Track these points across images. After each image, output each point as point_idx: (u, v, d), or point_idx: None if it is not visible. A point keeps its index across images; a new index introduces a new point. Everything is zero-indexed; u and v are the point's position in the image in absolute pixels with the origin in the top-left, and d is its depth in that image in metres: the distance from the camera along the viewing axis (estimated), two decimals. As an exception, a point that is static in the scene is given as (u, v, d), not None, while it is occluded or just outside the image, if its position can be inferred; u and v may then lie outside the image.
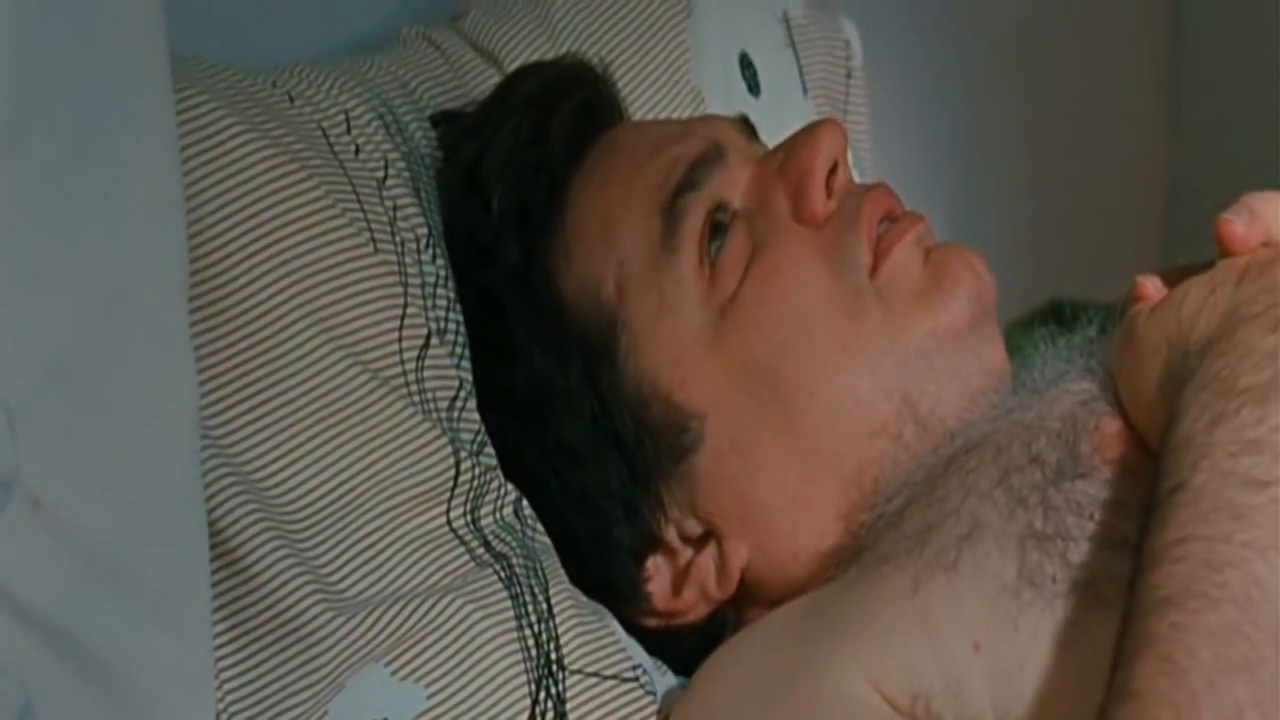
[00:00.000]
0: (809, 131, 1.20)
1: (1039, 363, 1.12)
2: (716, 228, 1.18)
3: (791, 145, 1.21)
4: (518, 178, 1.24)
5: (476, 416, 1.20)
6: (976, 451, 1.06)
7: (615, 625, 1.18)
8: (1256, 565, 0.84)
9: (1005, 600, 0.97)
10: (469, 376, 1.21)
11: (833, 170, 1.19)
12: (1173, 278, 1.05)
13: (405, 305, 1.17)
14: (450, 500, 1.15)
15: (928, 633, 0.97)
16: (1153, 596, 0.84)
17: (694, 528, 1.18)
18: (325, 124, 1.23)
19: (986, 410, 1.11)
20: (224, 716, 1.04)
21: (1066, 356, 1.12)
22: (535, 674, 1.11)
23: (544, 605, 1.14)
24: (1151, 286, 1.06)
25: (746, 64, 1.58)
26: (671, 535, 1.18)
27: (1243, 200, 1.03)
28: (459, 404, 1.19)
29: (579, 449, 1.19)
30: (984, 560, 0.98)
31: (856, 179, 1.30)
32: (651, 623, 1.20)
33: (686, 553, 1.19)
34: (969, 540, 1.00)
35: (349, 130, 1.24)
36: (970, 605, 0.97)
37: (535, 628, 1.13)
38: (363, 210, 1.18)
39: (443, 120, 1.33)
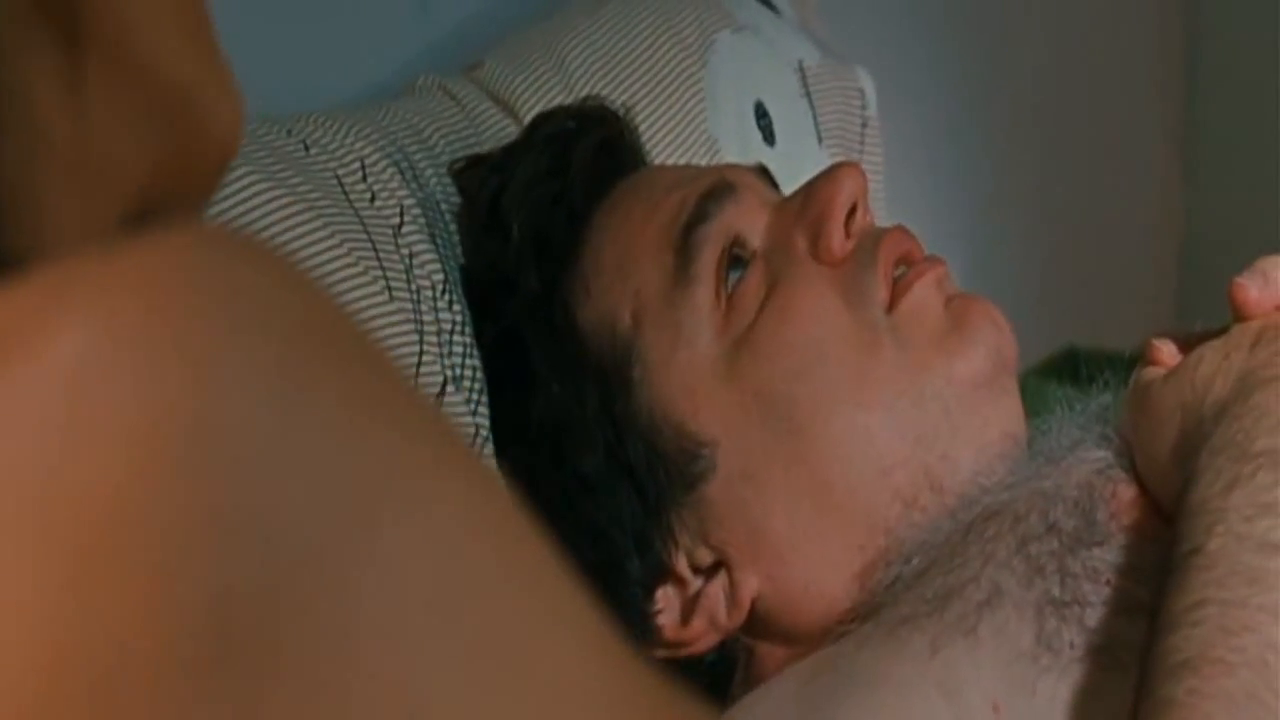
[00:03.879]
0: (829, 173, 1.20)
1: (1056, 430, 1.12)
2: (735, 261, 1.18)
3: (811, 186, 1.21)
4: (537, 208, 1.25)
5: (493, 464, 1.20)
6: (995, 519, 1.06)
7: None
8: (1272, 629, 0.83)
9: (1024, 665, 0.96)
10: (485, 423, 1.21)
11: (852, 211, 1.18)
12: (1187, 342, 1.05)
13: (421, 354, 1.17)
14: (465, 548, 1.15)
15: (947, 693, 0.97)
16: (1169, 661, 0.84)
17: (705, 556, 1.17)
18: (341, 171, 1.23)
19: (1004, 477, 1.11)
20: None
21: (1082, 424, 1.12)
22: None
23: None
24: (1166, 351, 1.06)
25: (762, 113, 1.59)
26: (682, 565, 1.18)
27: (1256, 264, 1.03)
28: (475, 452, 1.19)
29: (593, 479, 1.18)
30: (1003, 626, 0.98)
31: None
32: (660, 654, 1.19)
33: (696, 582, 1.18)
34: (988, 606, 0.99)
35: (365, 178, 1.24)
36: (989, 669, 0.97)
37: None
38: (378, 258, 1.18)
39: (464, 167, 1.33)
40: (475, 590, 0.42)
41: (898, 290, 1.16)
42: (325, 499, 0.40)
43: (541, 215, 1.24)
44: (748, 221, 1.20)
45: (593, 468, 1.18)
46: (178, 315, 0.41)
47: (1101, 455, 1.08)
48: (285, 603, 0.39)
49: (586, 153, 1.28)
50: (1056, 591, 0.99)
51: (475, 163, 1.33)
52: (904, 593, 1.06)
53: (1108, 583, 0.99)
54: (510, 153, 1.31)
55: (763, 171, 1.31)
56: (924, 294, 1.17)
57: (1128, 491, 1.04)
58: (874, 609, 1.08)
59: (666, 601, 1.18)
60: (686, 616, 1.18)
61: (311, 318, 0.44)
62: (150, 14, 0.51)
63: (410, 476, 0.42)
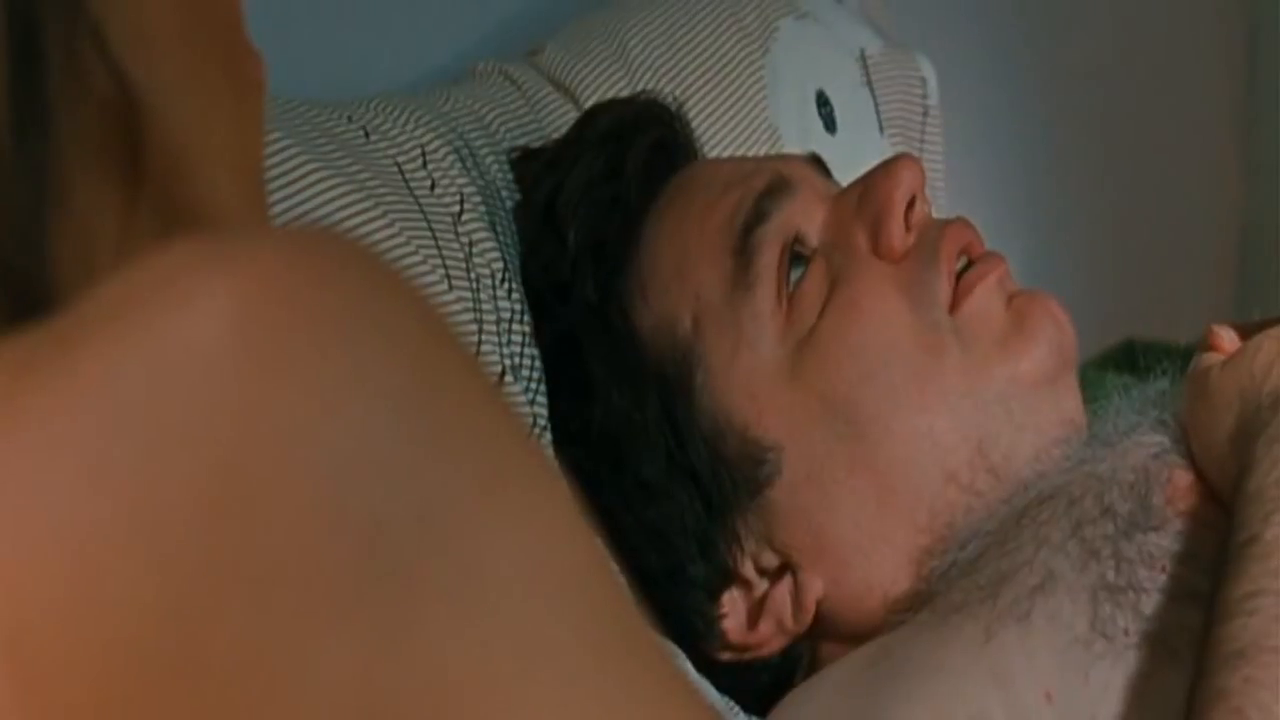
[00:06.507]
0: (887, 166, 1.20)
1: (1112, 414, 1.12)
2: (795, 258, 1.17)
3: (869, 180, 1.20)
4: (593, 212, 1.24)
5: (550, 454, 1.20)
6: (1049, 503, 1.05)
7: (687, 665, 1.17)
8: None
9: (1077, 651, 0.96)
10: (544, 413, 1.21)
11: (911, 204, 1.18)
12: (1246, 330, 1.04)
13: (479, 344, 1.17)
14: (522, 542, 1.14)
15: (999, 682, 0.97)
16: (1225, 650, 0.84)
17: (770, 560, 1.17)
18: (401, 159, 1.23)
19: (1059, 461, 1.10)
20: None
21: (1139, 409, 1.11)
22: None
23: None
24: (1226, 338, 1.06)
25: (823, 102, 1.58)
26: (748, 568, 1.17)
27: None
28: (533, 442, 1.18)
29: (655, 484, 1.17)
30: (1056, 611, 0.98)
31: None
32: (726, 657, 1.18)
33: (762, 585, 1.18)
34: (1042, 591, 0.99)
35: (425, 165, 1.24)
36: (1042, 656, 0.97)
37: (606, 667, 1.12)
38: (437, 247, 1.18)
39: (520, 158, 1.33)
40: (572, 570, 0.48)
41: (960, 290, 1.16)
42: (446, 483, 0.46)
43: (598, 220, 1.23)
44: (806, 217, 1.19)
45: (654, 474, 1.17)
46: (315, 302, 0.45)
47: (1158, 440, 1.08)
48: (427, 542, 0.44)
49: (641, 153, 1.27)
50: (1111, 576, 0.98)
51: (529, 156, 1.33)
52: (958, 579, 1.06)
53: (1163, 569, 0.98)
54: (564, 148, 1.30)
55: (816, 161, 1.30)
56: (985, 298, 1.16)
57: (1184, 477, 1.04)
58: (929, 597, 1.08)
59: (732, 605, 1.18)
60: (753, 620, 1.18)
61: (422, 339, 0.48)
62: (208, 161, 0.58)
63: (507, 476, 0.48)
